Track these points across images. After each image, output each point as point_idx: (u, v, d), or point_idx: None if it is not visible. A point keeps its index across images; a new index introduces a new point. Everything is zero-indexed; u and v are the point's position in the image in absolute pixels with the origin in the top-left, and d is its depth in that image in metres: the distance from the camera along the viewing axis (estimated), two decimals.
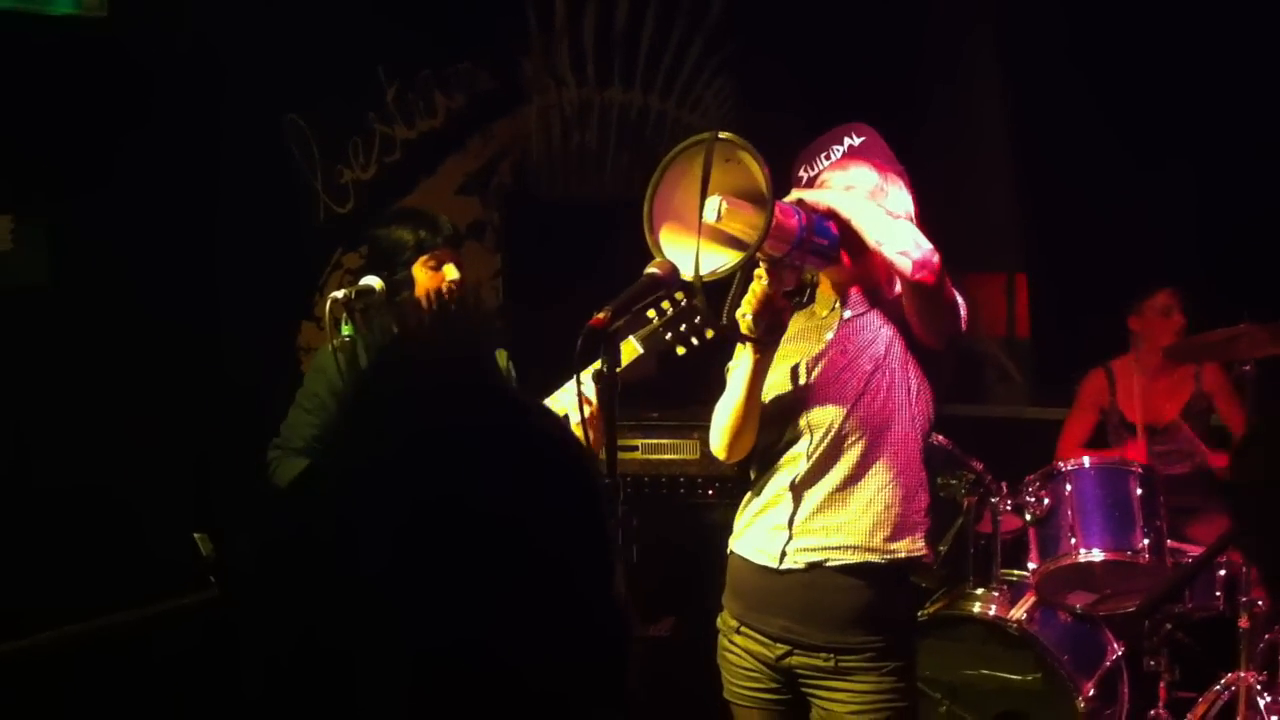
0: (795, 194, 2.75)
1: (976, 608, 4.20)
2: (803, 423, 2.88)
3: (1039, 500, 4.24)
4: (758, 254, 2.58)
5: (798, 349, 2.94)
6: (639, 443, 4.64)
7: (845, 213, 2.72)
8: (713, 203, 2.53)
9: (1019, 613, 4.17)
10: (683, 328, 3.36)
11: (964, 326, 2.84)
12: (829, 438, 2.85)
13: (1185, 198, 5.51)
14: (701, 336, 3.33)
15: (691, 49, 6.29)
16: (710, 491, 4.56)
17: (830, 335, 2.92)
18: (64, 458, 3.90)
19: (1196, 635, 4.38)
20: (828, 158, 2.90)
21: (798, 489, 2.88)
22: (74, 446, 3.92)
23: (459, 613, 1.02)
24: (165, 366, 4.18)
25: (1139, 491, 4.21)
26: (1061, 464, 4.33)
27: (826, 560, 2.84)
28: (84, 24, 4.06)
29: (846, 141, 2.89)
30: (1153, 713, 4.20)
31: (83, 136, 4.02)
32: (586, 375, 2.76)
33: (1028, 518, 4.27)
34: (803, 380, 2.90)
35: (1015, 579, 4.37)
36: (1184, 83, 5.50)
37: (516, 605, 1.03)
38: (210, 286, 4.40)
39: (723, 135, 2.53)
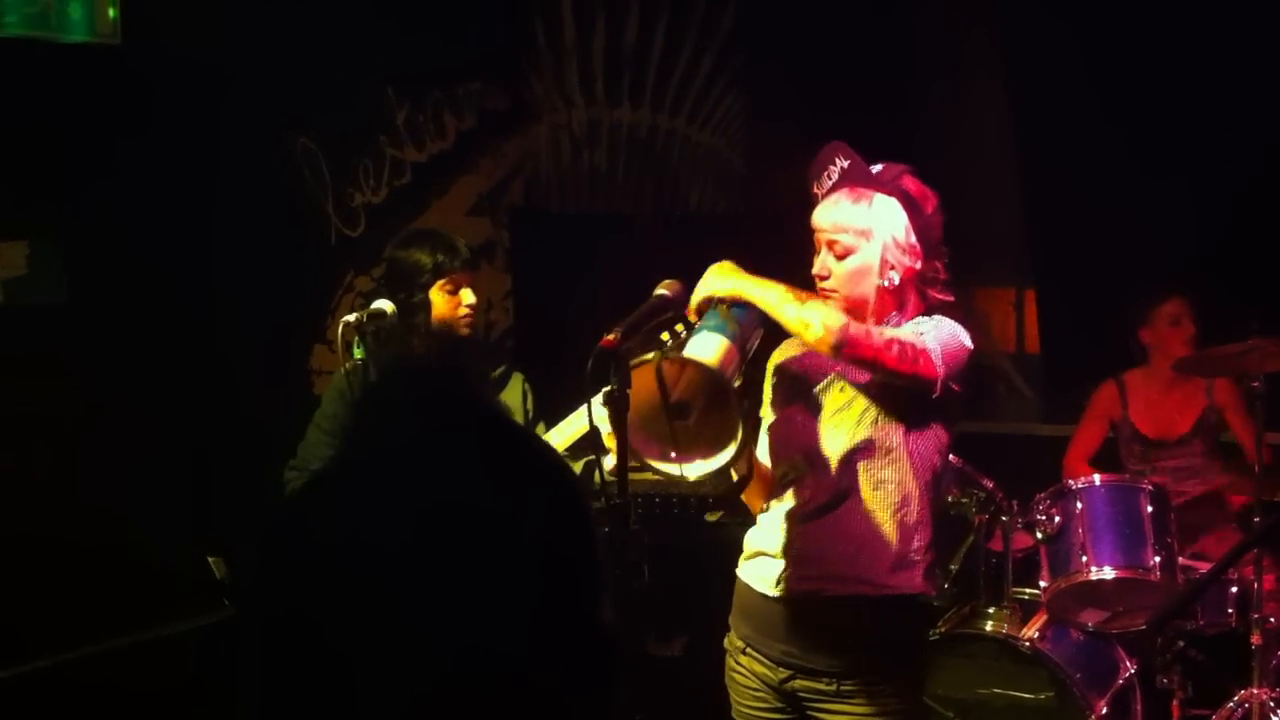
0: (697, 294, 2.78)
1: (988, 626, 4.20)
2: (807, 454, 2.89)
3: (1050, 518, 4.24)
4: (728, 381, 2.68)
5: (806, 379, 2.95)
6: (636, 461, 4.63)
7: (749, 298, 2.75)
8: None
9: (1031, 631, 4.17)
10: None
11: (939, 379, 2.77)
12: (832, 470, 2.85)
13: (1194, 207, 5.51)
14: None
15: (701, 66, 6.31)
16: (704, 511, 4.56)
17: (838, 366, 2.90)
18: (76, 477, 3.92)
19: (1209, 652, 4.38)
20: (829, 177, 2.91)
21: (797, 518, 2.89)
22: (85, 466, 3.94)
23: (464, 617, 1.03)
24: (178, 388, 4.20)
25: (1149, 509, 4.20)
26: (1072, 482, 4.33)
27: (820, 590, 2.86)
28: (98, 51, 4.10)
29: (838, 163, 2.88)
30: None
31: (97, 159, 4.05)
32: (597, 397, 2.78)
33: (1039, 536, 4.26)
34: (809, 412, 2.91)
35: (1027, 597, 4.37)
36: (1190, 87, 5.49)
37: (521, 610, 1.04)
38: (222, 309, 4.43)
39: (670, 355, 2.65)
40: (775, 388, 3.03)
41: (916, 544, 2.85)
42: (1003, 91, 6.30)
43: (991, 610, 4.26)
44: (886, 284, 2.83)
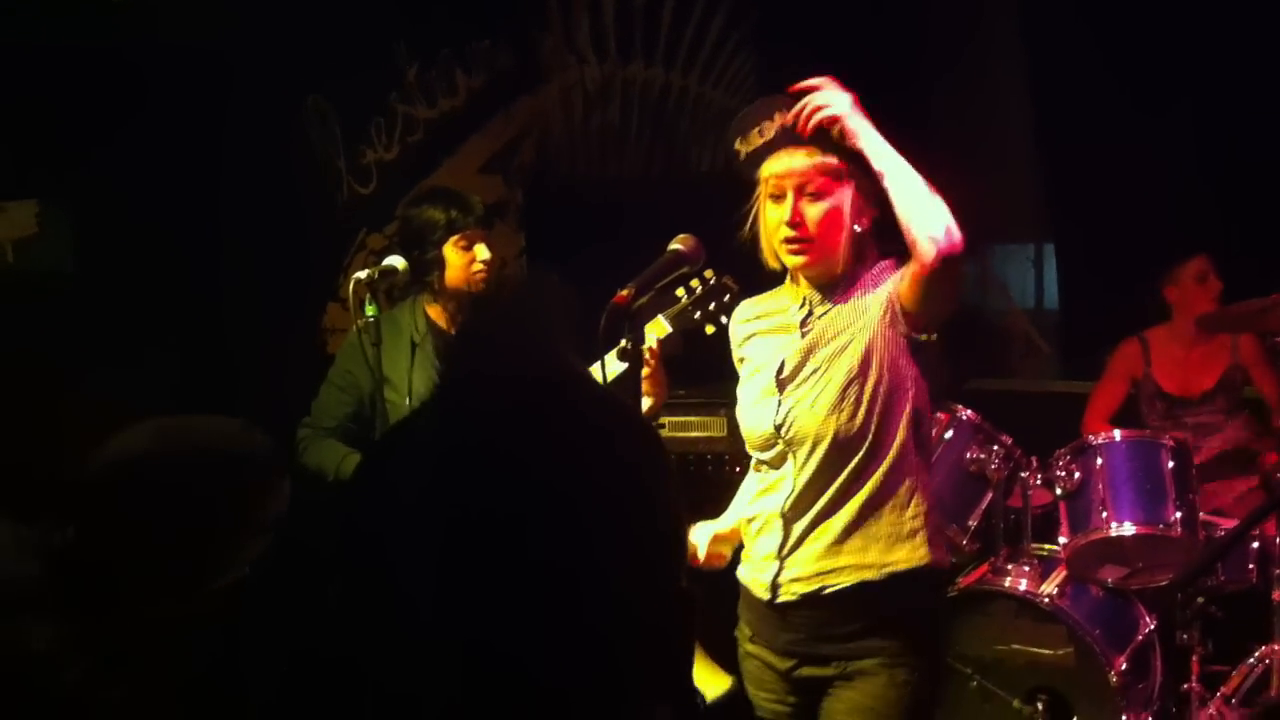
0: (814, 110, 2.61)
1: (1007, 583, 4.18)
2: (783, 441, 2.74)
3: (1069, 474, 4.21)
4: None
5: (772, 352, 2.80)
6: (665, 420, 4.62)
7: (878, 165, 2.58)
8: None
9: (1050, 588, 4.15)
10: (712, 306, 3.35)
11: (955, 306, 2.66)
12: (812, 458, 2.70)
13: (1215, 163, 5.46)
14: (731, 315, 3.31)
15: (713, 24, 6.25)
16: (738, 469, 4.53)
17: (801, 337, 2.75)
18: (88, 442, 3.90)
19: (1229, 608, 4.35)
20: (761, 134, 2.71)
21: (786, 517, 2.75)
22: (97, 431, 3.92)
23: (470, 618, 1.00)
24: (190, 350, 4.18)
25: (1170, 465, 4.17)
26: (1092, 437, 4.29)
27: (822, 589, 2.71)
28: (108, 6, 4.06)
29: (778, 119, 2.68)
30: (1185, 686, 4.17)
31: (107, 121, 4.02)
32: (611, 354, 2.74)
33: (1058, 492, 4.23)
34: (777, 391, 2.75)
35: (1046, 554, 4.34)
36: (1211, 43, 5.44)
37: (549, 613, 1.01)
38: (236, 268, 4.40)
39: None
40: (744, 363, 2.89)
41: (912, 513, 2.71)
42: (1020, 46, 6.23)
43: (1010, 567, 4.23)
44: (858, 229, 2.67)
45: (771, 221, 2.71)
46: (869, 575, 2.69)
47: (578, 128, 6.05)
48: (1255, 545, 4.19)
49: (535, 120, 5.85)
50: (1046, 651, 4.07)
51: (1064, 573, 4.23)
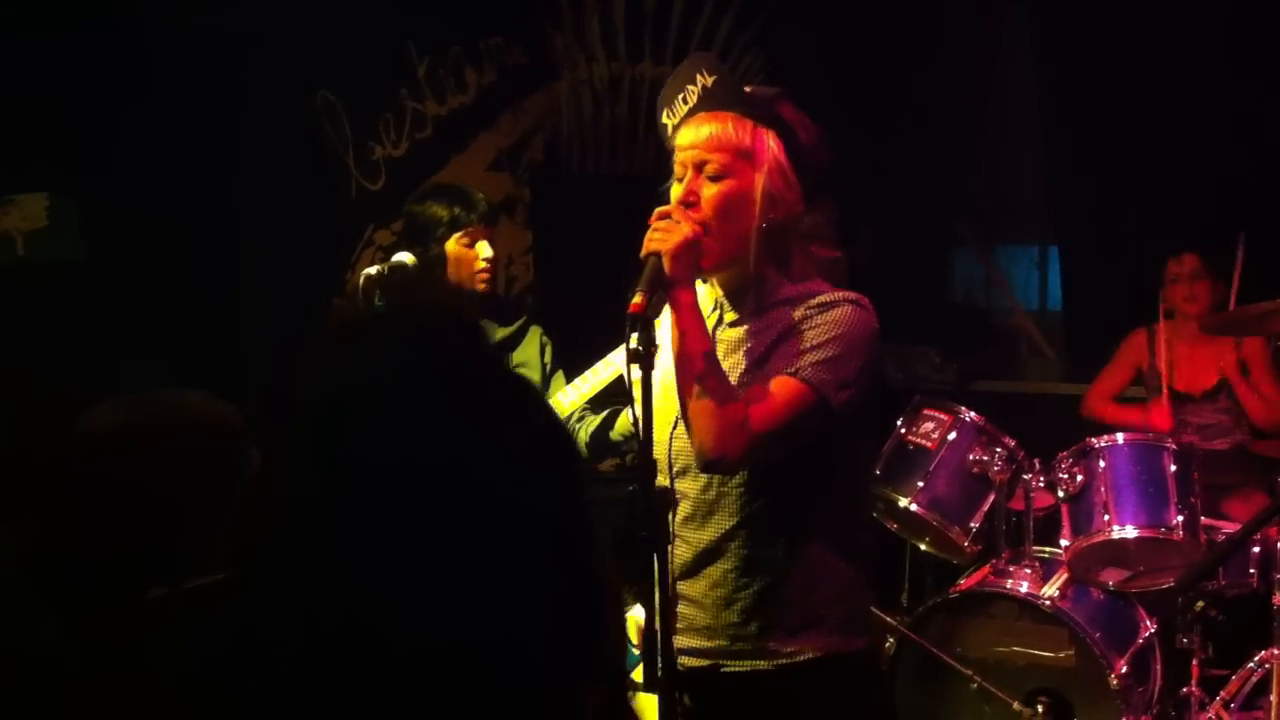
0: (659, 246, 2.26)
1: (1009, 585, 4.19)
2: (671, 478, 2.38)
3: (1072, 477, 4.22)
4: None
5: (668, 373, 2.35)
6: None
7: (675, 353, 2.27)
8: None
9: (1051, 590, 4.16)
10: None
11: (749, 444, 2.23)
12: (696, 503, 2.35)
13: (1221, 163, 5.47)
14: None
15: (723, 23, 6.26)
16: None
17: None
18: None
19: (1229, 613, 4.36)
20: (685, 101, 2.36)
21: (677, 570, 2.37)
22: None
23: (454, 593, 1.01)
24: (197, 344, 4.19)
25: (1173, 468, 4.18)
26: (1095, 440, 4.30)
27: (718, 665, 2.37)
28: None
29: (700, 80, 2.33)
30: (1185, 690, 4.19)
31: (116, 114, 4.03)
32: (620, 354, 2.73)
33: (1060, 494, 4.24)
34: (670, 415, 2.35)
35: (1048, 556, 4.35)
36: (1218, 41, 5.45)
37: (511, 583, 1.03)
38: (243, 263, 4.42)
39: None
40: (660, 355, 2.39)
41: (820, 596, 2.33)
42: (1027, 48, 6.24)
43: (1012, 569, 4.24)
44: (765, 224, 2.29)
45: (676, 193, 2.34)
46: (762, 664, 2.34)
47: (587, 125, 6.06)
48: (1256, 550, 4.20)
49: (545, 117, 5.86)
50: (1047, 654, 4.08)
51: (1065, 575, 4.25)
